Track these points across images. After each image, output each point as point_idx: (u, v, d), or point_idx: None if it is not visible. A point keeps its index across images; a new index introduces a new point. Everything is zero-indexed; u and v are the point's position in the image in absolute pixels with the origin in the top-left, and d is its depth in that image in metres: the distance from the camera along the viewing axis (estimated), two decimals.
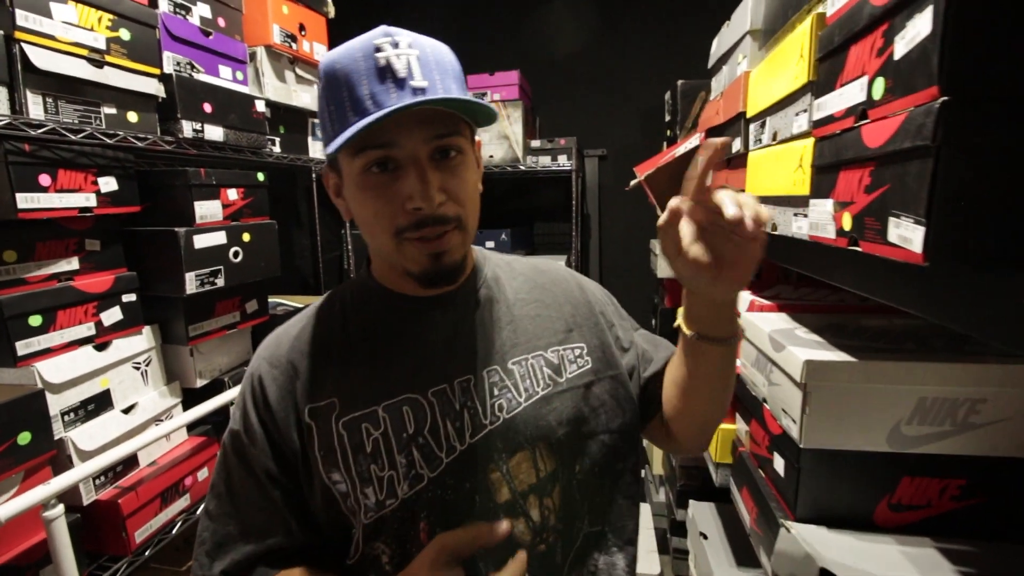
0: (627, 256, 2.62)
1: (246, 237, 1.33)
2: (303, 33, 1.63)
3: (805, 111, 0.72)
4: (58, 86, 0.99)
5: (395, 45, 0.54)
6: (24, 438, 0.90)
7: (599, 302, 0.78)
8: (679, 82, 1.83)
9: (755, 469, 0.99)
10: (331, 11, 1.74)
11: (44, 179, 0.96)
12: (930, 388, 0.76)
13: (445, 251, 0.59)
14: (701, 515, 1.49)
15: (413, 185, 0.55)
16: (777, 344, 0.88)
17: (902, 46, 0.48)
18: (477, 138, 0.67)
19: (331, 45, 1.78)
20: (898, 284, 0.51)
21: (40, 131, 0.94)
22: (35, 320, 0.97)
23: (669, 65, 2.37)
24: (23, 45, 0.93)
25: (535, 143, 2.31)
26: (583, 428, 0.69)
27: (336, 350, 0.65)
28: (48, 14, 0.96)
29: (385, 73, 0.53)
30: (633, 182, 1.87)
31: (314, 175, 2.46)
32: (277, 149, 1.59)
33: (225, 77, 1.36)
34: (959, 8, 0.41)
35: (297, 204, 2.53)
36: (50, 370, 0.98)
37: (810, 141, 0.70)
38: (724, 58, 1.20)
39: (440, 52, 0.58)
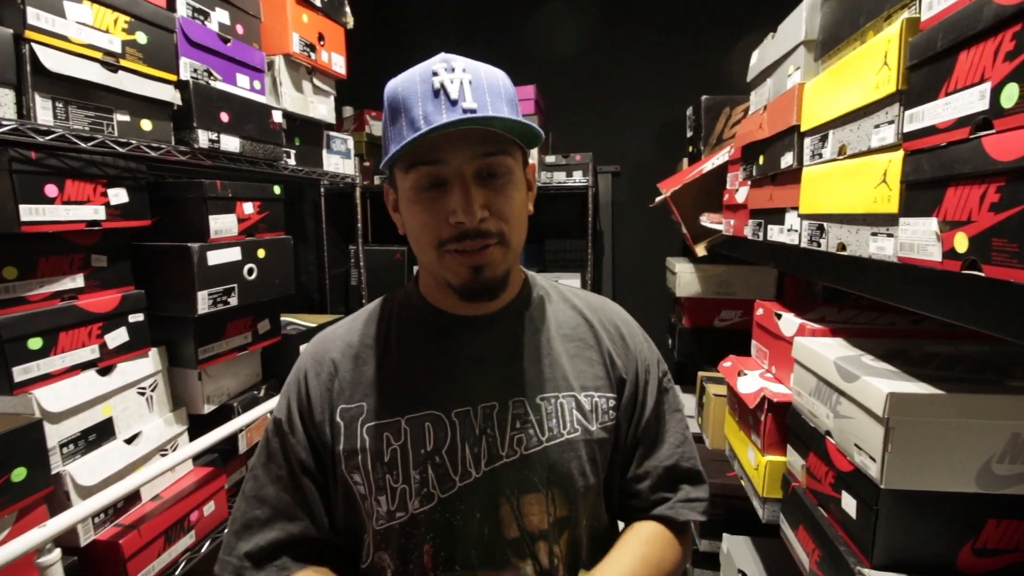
0: (642, 274, 2.56)
1: (261, 253, 1.26)
2: (322, 43, 1.58)
3: (890, 122, 0.67)
4: (69, 90, 0.92)
5: (450, 70, 0.57)
6: (19, 474, 0.82)
7: (645, 360, 0.74)
8: (703, 97, 1.80)
9: (814, 507, 0.92)
10: (350, 21, 1.70)
11: (51, 189, 0.89)
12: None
13: (486, 264, 0.60)
14: (737, 550, 1.40)
15: (457, 200, 0.57)
16: (848, 374, 0.81)
17: None
18: (531, 161, 0.72)
19: (349, 56, 1.73)
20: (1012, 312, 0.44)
21: (48, 138, 0.88)
22: (35, 343, 0.89)
23: (683, 82, 2.36)
24: (33, 45, 0.86)
25: (549, 159, 2.27)
26: (602, 480, 0.69)
27: (375, 356, 0.67)
28: (62, 13, 0.90)
29: (439, 95, 0.56)
30: (659, 198, 1.82)
31: (322, 189, 2.39)
32: (292, 161, 1.53)
33: (242, 86, 1.30)
34: None
35: (304, 219, 2.46)
36: (49, 398, 0.89)
37: (898, 154, 0.64)
38: (769, 70, 1.15)
39: (494, 76, 0.61)
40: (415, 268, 2.69)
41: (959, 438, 0.71)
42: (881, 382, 0.74)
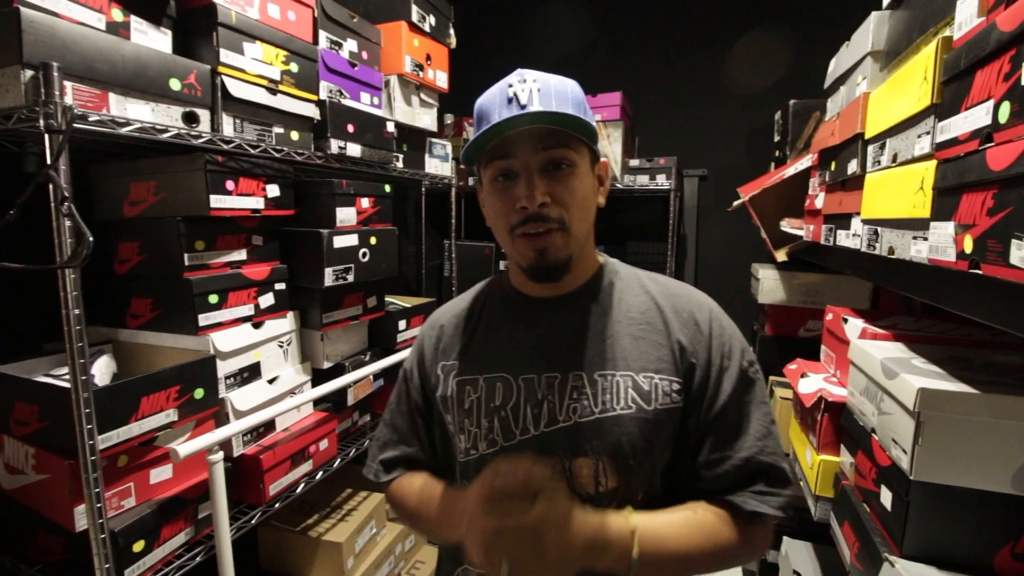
0: (725, 280, 2.54)
1: (373, 240, 1.51)
2: (429, 62, 1.82)
3: (928, 133, 0.72)
4: (244, 110, 1.21)
5: (523, 81, 0.68)
6: (199, 393, 1.10)
7: (724, 347, 0.73)
8: (791, 101, 1.79)
9: (859, 503, 0.96)
10: (453, 42, 1.93)
11: (229, 184, 1.18)
12: None
13: (547, 247, 0.69)
14: (796, 553, 1.42)
15: (522, 188, 0.68)
16: (890, 371, 0.85)
17: None
18: (603, 159, 0.78)
19: (451, 72, 1.96)
20: (1011, 305, 0.50)
21: (230, 146, 1.16)
22: (213, 298, 1.18)
23: (773, 85, 2.31)
24: (223, 77, 1.15)
25: (633, 162, 2.35)
26: (657, 460, 0.71)
27: (471, 325, 0.81)
28: (242, 52, 1.18)
29: (511, 101, 0.67)
30: (737, 202, 1.84)
31: (423, 189, 2.68)
32: (400, 164, 1.79)
33: (365, 102, 1.56)
34: None
35: (407, 215, 2.76)
36: (221, 340, 1.18)
37: (932, 163, 0.69)
38: (842, 79, 1.18)
39: (563, 84, 0.70)
40: (502, 263, 2.88)
41: (993, 438, 0.73)
42: (917, 379, 0.78)
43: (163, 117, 1.04)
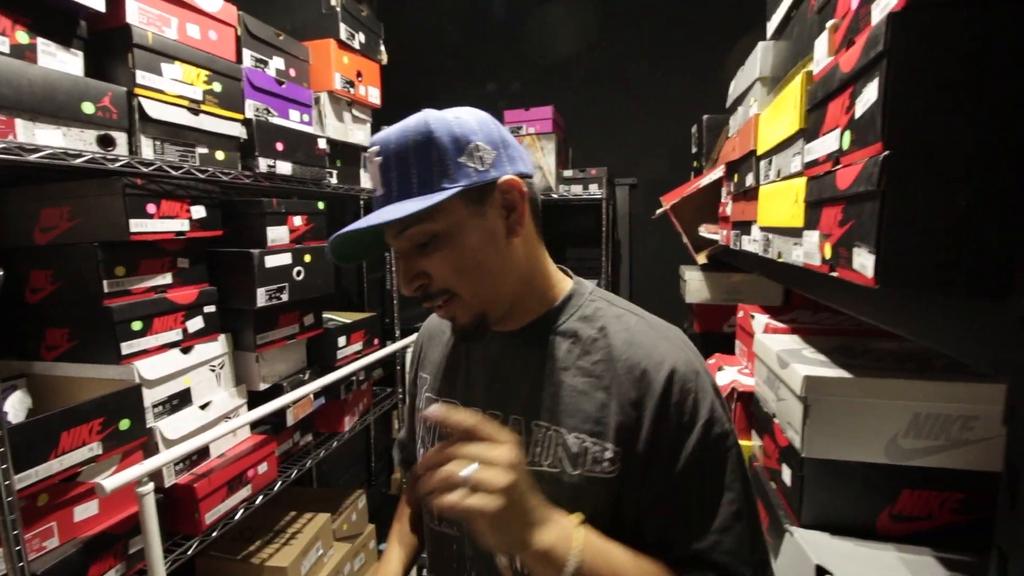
0: (657, 281, 2.69)
1: (307, 258, 1.50)
2: (360, 79, 1.83)
3: (799, 154, 0.82)
4: (165, 131, 1.18)
5: (376, 155, 0.62)
6: (124, 424, 1.07)
7: (683, 415, 0.62)
8: (705, 116, 1.93)
9: (767, 482, 1.06)
10: (384, 59, 1.95)
11: (151, 207, 1.15)
12: (923, 404, 0.82)
13: (452, 316, 0.67)
14: None
15: (398, 276, 0.68)
16: (783, 362, 0.95)
17: (860, 107, 0.59)
18: (507, 177, 0.63)
19: (384, 88, 1.98)
20: (861, 301, 0.60)
21: (149, 168, 1.14)
22: (136, 325, 1.14)
23: (699, 99, 2.48)
24: (140, 99, 1.13)
25: (567, 172, 2.44)
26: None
27: (443, 342, 0.82)
28: (160, 73, 1.16)
29: (371, 180, 0.65)
30: (659, 210, 1.97)
31: (361, 203, 2.66)
32: (334, 180, 1.78)
33: (294, 119, 1.55)
34: (897, 80, 0.51)
35: None
36: (146, 368, 1.15)
37: (803, 180, 0.79)
38: (740, 99, 1.30)
39: (403, 146, 0.60)
40: None
41: (868, 416, 0.84)
42: (804, 368, 0.88)
43: (76, 142, 1.00)
